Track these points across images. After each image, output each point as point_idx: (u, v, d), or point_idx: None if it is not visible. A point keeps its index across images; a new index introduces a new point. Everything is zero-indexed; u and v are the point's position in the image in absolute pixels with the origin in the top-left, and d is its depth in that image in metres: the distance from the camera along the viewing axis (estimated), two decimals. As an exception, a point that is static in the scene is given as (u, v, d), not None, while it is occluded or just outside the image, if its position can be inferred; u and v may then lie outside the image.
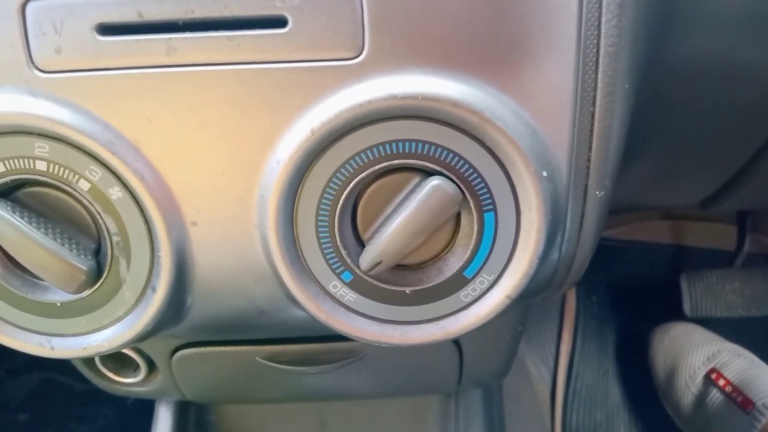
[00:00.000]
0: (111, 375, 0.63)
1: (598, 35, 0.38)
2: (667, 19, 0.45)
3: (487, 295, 0.41)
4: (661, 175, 0.66)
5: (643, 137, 0.53)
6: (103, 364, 0.63)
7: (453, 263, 0.41)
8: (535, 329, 1.13)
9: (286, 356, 0.57)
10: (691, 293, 1.10)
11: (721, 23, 0.47)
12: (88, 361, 0.63)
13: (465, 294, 0.41)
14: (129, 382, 0.63)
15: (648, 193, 0.71)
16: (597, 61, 0.38)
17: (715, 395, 0.93)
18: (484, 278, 0.41)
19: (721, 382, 0.93)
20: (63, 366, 1.08)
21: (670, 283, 1.13)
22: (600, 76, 0.39)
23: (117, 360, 0.62)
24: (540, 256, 0.40)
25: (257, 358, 0.57)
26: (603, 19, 0.38)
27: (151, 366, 0.61)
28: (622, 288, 1.17)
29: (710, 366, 0.95)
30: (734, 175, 0.65)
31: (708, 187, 0.69)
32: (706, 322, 1.07)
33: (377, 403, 0.72)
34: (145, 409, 0.81)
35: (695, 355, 0.98)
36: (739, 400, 0.89)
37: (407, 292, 0.42)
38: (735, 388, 0.91)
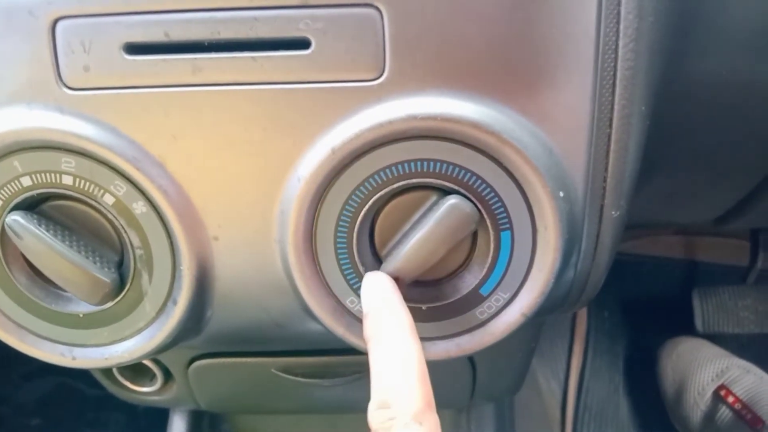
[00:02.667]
0: (127, 384, 0.64)
1: (615, 59, 0.39)
2: (683, 41, 0.45)
3: (503, 312, 0.42)
4: (674, 194, 0.66)
5: (658, 156, 0.54)
6: (120, 373, 0.63)
7: (469, 281, 0.42)
8: (546, 343, 1.13)
9: (301, 368, 0.58)
10: (704, 309, 1.09)
11: (737, 44, 0.47)
12: (106, 370, 0.64)
13: (481, 311, 0.42)
14: (145, 391, 0.64)
15: (661, 211, 0.72)
16: (614, 83, 0.39)
17: (724, 412, 0.92)
18: (500, 296, 0.42)
19: (731, 399, 0.92)
20: (76, 371, 1.09)
21: (682, 299, 1.13)
22: (617, 98, 0.39)
23: (134, 369, 0.63)
24: (556, 275, 0.41)
25: (272, 370, 0.57)
26: (620, 43, 0.39)
27: (168, 376, 0.61)
28: (633, 303, 1.17)
29: (719, 382, 0.95)
30: (748, 194, 0.66)
31: (722, 205, 0.70)
32: (718, 338, 1.06)
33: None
34: (156, 415, 0.81)
35: (704, 371, 0.98)
36: (749, 418, 0.89)
37: (423, 308, 0.42)
38: (744, 405, 0.91)
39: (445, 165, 0.39)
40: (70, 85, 0.38)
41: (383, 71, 0.38)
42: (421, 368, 0.34)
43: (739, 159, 0.60)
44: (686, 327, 1.11)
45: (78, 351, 0.44)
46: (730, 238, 1.17)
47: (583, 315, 1.15)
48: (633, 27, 0.38)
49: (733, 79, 0.49)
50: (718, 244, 1.18)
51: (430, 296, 0.42)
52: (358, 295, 0.42)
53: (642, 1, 0.38)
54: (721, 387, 0.94)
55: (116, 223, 0.41)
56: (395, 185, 0.39)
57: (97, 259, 0.41)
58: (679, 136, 0.54)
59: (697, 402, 0.96)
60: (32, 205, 0.41)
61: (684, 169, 0.61)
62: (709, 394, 0.95)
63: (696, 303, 1.10)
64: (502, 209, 0.40)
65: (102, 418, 1.15)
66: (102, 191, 0.40)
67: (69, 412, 1.14)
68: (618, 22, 0.38)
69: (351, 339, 0.43)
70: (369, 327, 0.37)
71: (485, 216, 0.40)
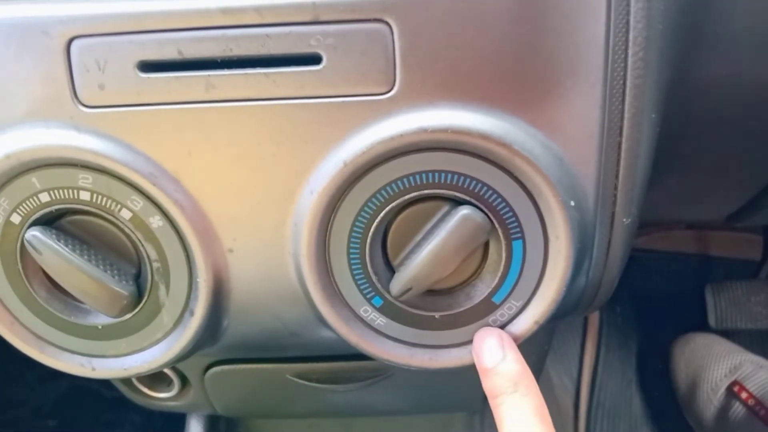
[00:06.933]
0: (145, 390, 0.65)
1: (625, 68, 0.39)
2: (693, 44, 0.45)
3: (516, 320, 0.42)
4: (684, 194, 0.66)
5: (667, 158, 0.54)
6: (138, 379, 0.64)
7: (482, 289, 0.42)
8: (559, 340, 1.13)
9: (315, 374, 0.58)
10: (716, 304, 1.09)
11: (744, 46, 0.47)
12: (124, 377, 0.65)
13: (493, 319, 0.42)
14: (162, 397, 0.65)
15: (672, 210, 0.72)
16: (624, 92, 0.39)
17: (737, 408, 0.92)
18: (513, 304, 0.42)
19: (744, 395, 0.92)
20: (91, 374, 1.09)
21: (695, 294, 1.13)
22: (627, 107, 0.39)
23: (151, 375, 0.64)
24: (568, 283, 0.41)
25: (287, 376, 0.58)
26: (629, 52, 0.39)
27: (185, 382, 0.62)
28: (646, 298, 1.17)
29: (732, 378, 0.95)
30: (760, 191, 0.65)
31: (733, 203, 0.69)
32: (731, 334, 1.06)
33: (403, 418, 0.73)
34: (172, 416, 0.82)
35: (717, 367, 0.98)
36: (762, 414, 0.89)
37: (436, 316, 0.43)
38: (758, 401, 0.90)
39: (456, 176, 0.39)
40: (85, 103, 0.39)
41: (393, 85, 0.38)
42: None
43: (749, 158, 0.60)
44: (699, 322, 1.11)
45: (97, 362, 0.45)
46: (742, 233, 1.16)
47: (595, 312, 1.15)
48: (642, 36, 0.39)
49: (740, 81, 0.49)
50: (731, 239, 1.17)
51: (443, 304, 0.43)
52: (372, 305, 0.43)
53: (651, 9, 0.39)
54: (735, 383, 0.94)
55: (133, 237, 0.42)
56: (407, 196, 0.40)
57: (115, 272, 0.42)
58: (689, 138, 0.54)
59: (710, 398, 0.96)
60: (51, 221, 0.42)
61: (694, 169, 0.61)
62: (722, 390, 0.95)
63: (709, 298, 1.10)
64: (513, 219, 0.40)
65: (118, 419, 1.16)
66: (119, 206, 0.41)
67: (85, 413, 1.15)
68: (627, 31, 0.38)
69: (365, 347, 0.43)
70: (498, 382, 0.40)
71: (497, 226, 0.40)
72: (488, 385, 0.40)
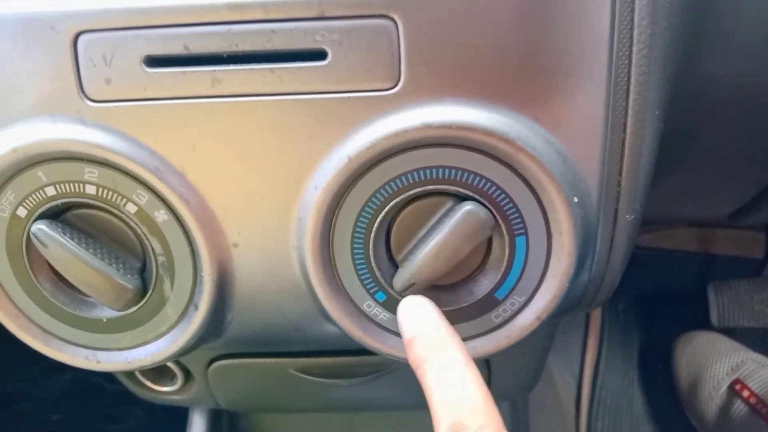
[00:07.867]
0: (148, 383, 0.65)
1: (629, 65, 0.39)
2: (695, 42, 0.45)
3: (518, 316, 0.42)
4: (687, 192, 0.66)
5: (671, 156, 0.54)
6: (141, 373, 0.65)
7: (484, 285, 0.42)
8: (561, 337, 1.13)
9: (319, 369, 0.59)
10: (719, 302, 1.09)
11: (748, 45, 0.47)
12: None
13: (496, 315, 0.43)
14: (166, 391, 0.65)
15: (674, 208, 0.72)
16: (628, 89, 0.39)
17: (739, 407, 0.92)
18: (515, 300, 0.42)
19: (746, 394, 0.92)
20: (95, 368, 1.10)
21: (697, 292, 1.13)
22: (631, 104, 0.39)
23: (154, 369, 0.64)
24: (570, 279, 0.41)
25: (290, 370, 0.58)
26: (634, 49, 0.39)
27: (188, 375, 0.63)
28: (648, 296, 1.17)
29: (734, 377, 0.95)
30: (762, 190, 0.66)
31: (735, 201, 0.70)
32: (733, 332, 1.06)
33: (405, 413, 0.73)
34: (175, 410, 0.82)
35: (719, 365, 0.98)
36: (764, 412, 0.89)
37: (439, 312, 0.43)
38: (759, 400, 0.91)
39: (460, 172, 0.39)
40: (92, 97, 0.39)
41: (398, 81, 0.38)
42: (486, 390, 0.34)
43: (751, 156, 0.60)
44: (701, 320, 1.11)
45: (102, 354, 0.45)
46: (745, 232, 1.16)
47: (597, 308, 1.15)
48: (647, 33, 0.39)
49: (745, 78, 0.49)
50: (733, 237, 1.18)
51: (445, 300, 0.43)
52: (375, 300, 0.43)
53: (655, 6, 0.39)
54: (736, 381, 0.94)
55: (138, 230, 0.42)
56: (411, 192, 0.40)
57: (120, 265, 0.42)
58: (692, 136, 0.54)
59: (712, 396, 0.96)
60: (56, 214, 0.42)
61: (697, 167, 0.61)
62: (724, 388, 0.95)
63: (711, 296, 1.10)
64: (517, 215, 0.40)
65: (121, 413, 1.16)
66: (124, 200, 0.41)
67: (88, 407, 1.15)
68: (632, 28, 0.38)
69: (368, 341, 0.43)
70: (418, 351, 0.36)
71: (500, 222, 0.40)
72: (410, 357, 0.36)
